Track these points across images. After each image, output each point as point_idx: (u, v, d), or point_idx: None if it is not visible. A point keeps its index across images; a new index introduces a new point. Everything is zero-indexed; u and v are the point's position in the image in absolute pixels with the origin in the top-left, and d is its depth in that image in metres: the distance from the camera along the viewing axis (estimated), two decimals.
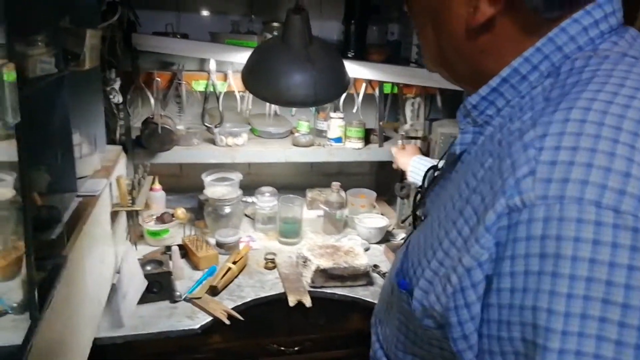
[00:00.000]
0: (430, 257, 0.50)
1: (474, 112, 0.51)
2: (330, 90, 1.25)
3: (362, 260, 1.44)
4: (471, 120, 0.51)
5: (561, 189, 0.39)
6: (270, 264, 1.49)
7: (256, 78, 1.25)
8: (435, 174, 0.66)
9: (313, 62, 1.21)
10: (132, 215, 1.37)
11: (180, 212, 1.61)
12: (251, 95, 1.61)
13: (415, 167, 1.33)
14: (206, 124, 1.64)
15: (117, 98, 1.42)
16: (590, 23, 0.46)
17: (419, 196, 0.66)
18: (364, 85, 1.70)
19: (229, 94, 1.62)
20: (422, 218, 0.58)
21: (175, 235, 1.57)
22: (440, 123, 1.62)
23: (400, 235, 1.73)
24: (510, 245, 0.41)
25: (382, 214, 1.79)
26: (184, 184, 1.87)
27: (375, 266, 1.52)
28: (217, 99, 1.60)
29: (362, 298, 1.36)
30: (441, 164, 0.65)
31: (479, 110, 0.50)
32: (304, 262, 1.44)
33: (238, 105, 1.64)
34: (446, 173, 0.57)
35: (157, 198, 1.66)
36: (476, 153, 0.50)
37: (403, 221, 0.70)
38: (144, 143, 1.53)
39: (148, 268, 1.33)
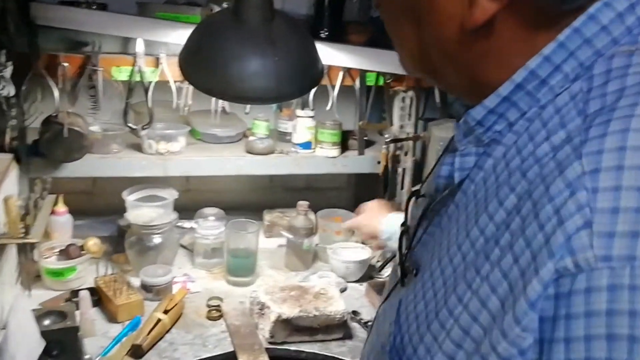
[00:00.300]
0: (440, 336, 0.49)
1: (479, 130, 0.51)
2: (297, 81, 1.22)
3: (337, 306, 1.41)
4: (473, 140, 0.52)
5: (630, 246, 0.38)
6: (215, 312, 1.46)
7: (199, 64, 1.21)
8: (419, 200, 0.67)
9: (275, 44, 1.18)
10: (25, 250, 1.34)
11: (93, 243, 1.57)
12: (191, 87, 1.57)
13: (392, 228, 1.23)
14: (130, 124, 1.61)
15: (8, 89, 1.37)
16: (626, 7, 0.46)
17: (404, 239, 0.65)
18: (340, 74, 1.69)
19: (162, 85, 1.59)
20: (414, 270, 0.58)
21: (85, 275, 1.54)
22: (438, 124, 1.62)
23: (386, 270, 1.70)
24: (562, 324, 0.40)
25: (362, 243, 1.77)
26: (98, 205, 1.86)
27: (355, 313, 1.51)
28: (146, 91, 1.56)
29: (338, 357, 1.34)
30: (427, 188, 0.66)
31: (484, 127, 0.51)
32: (261, 309, 1.41)
33: (174, 99, 1.62)
34: (438, 206, 0.57)
35: (61, 224, 1.62)
36: (485, 182, 0.50)
37: (380, 269, 0.67)
38: (44, 150, 1.49)
39: (46, 322, 1.30)
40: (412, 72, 0.57)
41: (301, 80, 1.23)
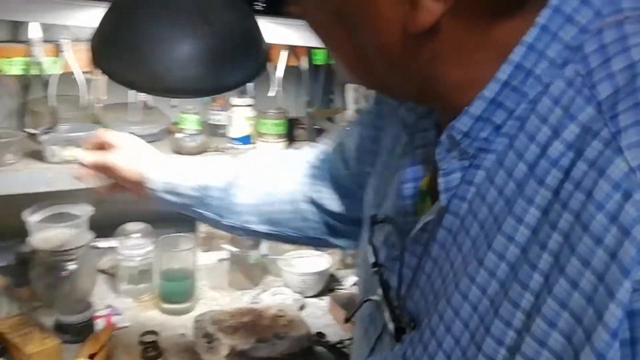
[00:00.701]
0: None
1: (465, 142, 0.52)
2: (240, 68, 1.15)
3: (300, 329, 1.38)
4: (457, 154, 0.53)
5: None
6: (152, 351, 1.37)
7: (117, 52, 1.13)
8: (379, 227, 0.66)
9: (211, 24, 1.10)
10: None
11: None
12: (103, 78, 1.46)
13: (163, 179, 1.00)
14: (27, 128, 1.46)
15: None
16: None
17: (385, 283, 0.64)
18: (283, 54, 1.61)
19: (66, 78, 1.47)
20: (412, 323, 0.58)
21: None
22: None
23: (349, 280, 1.69)
24: None
25: (317, 250, 1.73)
26: None
27: (320, 335, 1.45)
28: (46, 86, 1.42)
29: None
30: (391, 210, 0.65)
31: (471, 138, 0.52)
32: (209, 342, 1.35)
33: (81, 94, 1.51)
34: (419, 235, 0.58)
35: None
36: (483, 198, 0.51)
37: (348, 319, 0.62)
38: None
39: None
40: (354, 81, 0.60)
41: (245, 66, 1.17)
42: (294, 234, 0.96)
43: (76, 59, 1.44)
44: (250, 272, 1.66)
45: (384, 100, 0.76)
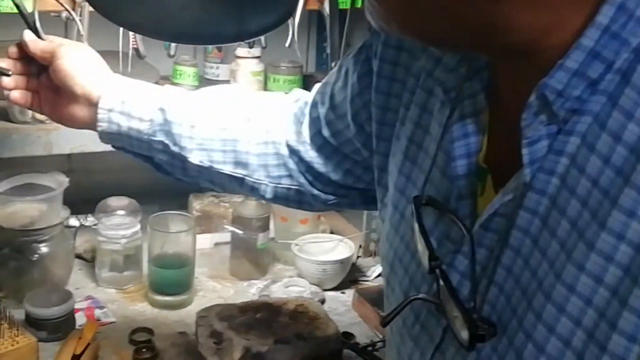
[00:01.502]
0: None
1: (557, 103, 0.52)
2: (266, 10, 1.16)
3: (327, 328, 1.38)
4: (545, 118, 0.53)
5: None
6: (146, 352, 1.37)
7: None
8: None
9: None
10: None
11: None
12: (85, 18, 1.45)
13: (120, 97, 0.96)
14: None
15: None
16: None
17: (447, 280, 0.62)
18: None
19: (42, 18, 1.42)
20: (493, 327, 0.57)
21: None
22: None
23: (374, 271, 1.71)
24: None
25: (335, 233, 1.77)
26: None
27: (347, 335, 1.46)
28: (27, 23, 1.39)
29: None
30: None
31: (564, 97, 0.52)
32: (217, 343, 1.35)
33: (65, 37, 1.45)
34: (491, 223, 0.58)
35: None
36: (582, 170, 0.51)
37: (386, 323, 0.62)
38: None
39: None
40: (394, 31, 0.58)
41: (273, 8, 1.17)
42: (262, 182, 0.96)
43: None
44: (258, 259, 1.67)
45: (402, 53, 0.76)
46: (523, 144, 0.54)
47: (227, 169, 0.96)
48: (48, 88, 1.00)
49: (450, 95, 0.64)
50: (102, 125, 0.96)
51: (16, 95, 0.99)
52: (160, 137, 0.95)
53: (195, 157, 0.95)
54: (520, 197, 0.55)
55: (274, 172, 0.95)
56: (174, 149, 0.95)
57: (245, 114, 0.98)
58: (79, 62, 0.97)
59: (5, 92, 1.01)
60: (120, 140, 0.97)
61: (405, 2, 0.54)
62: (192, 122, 0.95)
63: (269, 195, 0.97)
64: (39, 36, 1.04)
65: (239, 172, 0.96)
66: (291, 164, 0.95)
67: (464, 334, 0.56)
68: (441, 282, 0.59)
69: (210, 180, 0.99)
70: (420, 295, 0.64)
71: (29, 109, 1.04)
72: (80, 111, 0.97)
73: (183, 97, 0.99)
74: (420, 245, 0.63)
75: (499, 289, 0.58)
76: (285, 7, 1.19)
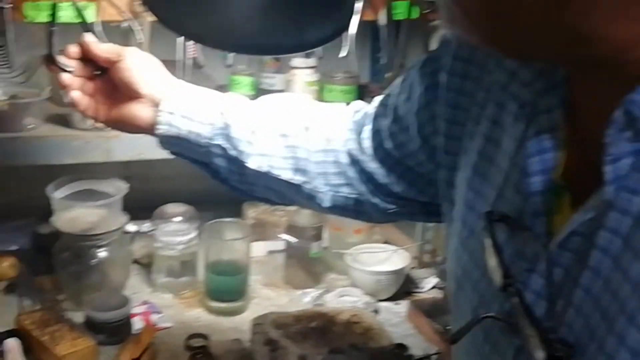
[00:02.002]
0: None
1: None
2: (325, 20, 1.19)
3: (380, 339, 1.38)
4: (631, 135, 0.52)
5: None
6: (202, 358, 1.39)
7: None
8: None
9: None
10: None
11: (8, 264, 1.51)
12: (147, 29, 1.46)
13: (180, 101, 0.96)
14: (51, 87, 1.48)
15: None
16: None
17: (522, 300, 0.60)
18: (358, 6, 1.59)
19: (106, 27, 1.45)
20: (569, 347, 0.56)
21: (1, 311, 1.48)
22: None
23: (428, 282, 1.71)
24: None
25: (389, 243, 1.77)
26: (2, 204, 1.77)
27: (401, 347, 1.45)
28: (76, 37, 1.42)
29: None
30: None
31: None
32: (273, 350, 1.36)
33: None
34: (569, 242, 0.57)
35: None
36: None
37: (454, 340, 0.62)
38: None
39: None
40: (473, 40, 0.57)
41: (332, 20, 1.21)
42: (320, 190, 0.94)
43: (116, 5, 1.43)
44: (311, 268, 1.67)
45: (472, 66, 0.74)
46: (606, 161, 0.52)
47: (286, 175, 0.94)
48: (105, 93, 0.99)
49: (526, 110, 0.62)
50: (162, 128, 0.94)
51: (77, 95, 0.98)
52: (219, 141, 0.94)
53: (253, 162, 0.94)
54: (601, 216, 0.53)
55: (333, 180, 0.94)
56: (233, 153, 0.94)
57: (305, 122, 0.97)
58: (143, 63, 0.97)
59: (66, 93, 1.00)
60: (179, 144, 0.96)
61: (490, 14, 0.53)
62: (252, 127, 0.94)
63: (326, 203, 0.96)
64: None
65: (298, 178, 0.94)
66: (351, 173, 0.93)
67: (540, 355, 0.55)
68: (515, 300, 0.58)
69: (266, 187, 0.98)
70: (492, 314, 0.62)
71: (84, 114, 1.03)
72: (140, 113, 0.96)
73: (244, 103, 0.99)
74: (492, 262, 0.62)
75: (577, 311, 0.56)
76: (342, 18, 1.21)
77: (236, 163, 0.95)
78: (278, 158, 0.94)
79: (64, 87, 0.98)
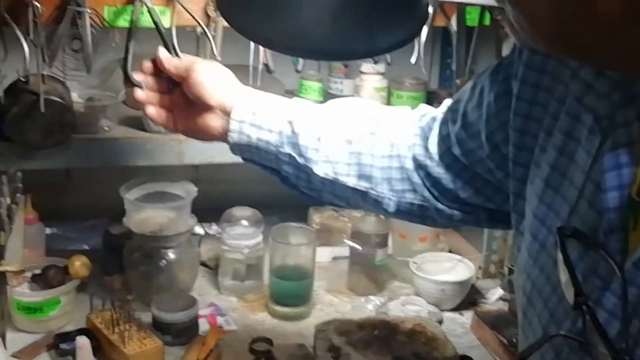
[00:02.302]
0: None
1: None
2: (398, 24, 1.17)
3: (445, 349, 1.37)
4: None
5: None
6: None
7: (248, 2, 1.15)
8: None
9: None
10: None
11: (80, 263, 1.51)
12: (219, 34, 1.48)
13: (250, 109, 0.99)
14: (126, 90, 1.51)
15: None
16: None
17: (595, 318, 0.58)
18: (429, 11, 1.58)
19: (181, 31, 1.47)
20: None
21: (72, 310, 1.50)
22: None
23: (493, 293, 1.68)
24: None
25: (453, 252, 1.75)
26: (73, 205, 1.83)
27: (465, 359, 1.43)
28: (163, 40, 1.43)
29: None
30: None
31: None
32: (335, 357, 1.36)
33: (197, 52, 1.51)
34: None
35: (32, 237, 1.55)
36: None
37: (523, 358, 0.59)
38: (10, 131, 1.41)
39: None
40: (543, 48, 0.56)
41: (403, 26, 1.18)
42: (385, 195, 0.95)
43: (193, 10, 1.43)
44: (375, 275, 1.67)
45: (545, 76, 0.73)
46: None
47: (351, 181, 0.96)
48: (181, 105, 1.04)
49: (602, 124, 0.61)
50: (233, 137, 0.99)
51: (152, 111, 1.04)
52: (287, 149, 0.97)
53: (320, 169, 0.96)
54: None
55: (398, 186, 0.95)
56: (300, 160, 0.96)
57: (370, 127, 0.98)
58: (212, 75, 1.02)
59: (141, 106, 1.06)
60: (250, 151, 1.00)
61: (556, 21, 0.52)
62: (319, 134, 0.96)
63: (391, 209, 0.97)
64: (175, 51, 1.09)
65: (363, 184, 0.96)
66: (416, 178, 0.94)
67: None
68: (588, 319, 0.56)
69: (333, 194, 1.00)
70: (564, 333, 0.61)
71: (164, 126, 1.08)
72: (213, 123, 1.01)
73: (310, 110, 1.01)
74: (564, 279, 0.60)
75: None
76: (414, 24, 1.19)
77: (304, 170, 0.98)
78: (343, 165, 0.96)
79: (139, 104, 1.04)
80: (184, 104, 1.04)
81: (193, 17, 1.42)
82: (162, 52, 1.06)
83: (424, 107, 1.01)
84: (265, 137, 0.97)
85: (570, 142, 0.67)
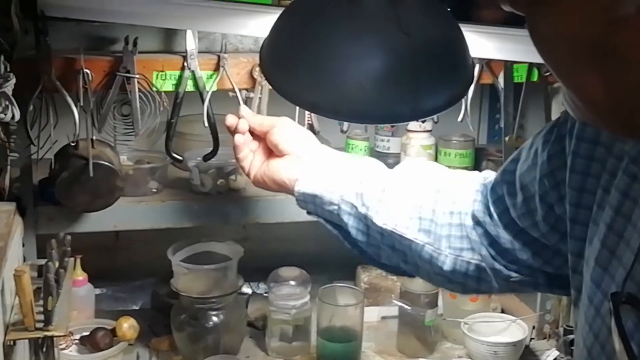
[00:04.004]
0: None
1: None
2: (442, 89, 1.14)
3: None
4: None
5: None
6: None
7: (293, 68, 1.16)
8: None
9: (410, 36, 1.09)
10: (44, 345, 1.24)
11: (128, 325, 1.52)
12: (265, 97, 1.50)
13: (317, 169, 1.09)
14: (174, 152, 1.52)
15: (10, 111, 1.29)
16: None
17: None
18: (476, 69, 1.57)
19: (221, 95, 1.50)
20: None
21: None
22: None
23: (548, 355, 1.64)
24: None
25: (506, 312, 1.72)
26: (122, 265, 1.85)
27: None
28: (198, 104, 1.47)
29: None
30: None
31: None
32: None
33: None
34: None
35: (81, 299, 1.59)
36: None
37: None
38: (60, 195, 1.43)
39: None
40: (596, 125, 0.59)
41: (448, 87, 1.16)
42: (442, 252, 0.95)
43: (235, 75, 1.47)
44: (425, 336, 1.64)
45: (600, 140, 0.71)
46: None
47: (410, 234, 0.97)
48: (263, 150, 1.14)
49: None
50: (301, 185, 1.06)
51: (243, 154, 1.14)
52: (350, 198, 1.01)
53: (380, 219, 0.98)
54: None
55: (456, 243, 0.95)
56: (362, 210, 0.99)
57: (435, 184, 1.00)
58: (292, 131, 1.14)
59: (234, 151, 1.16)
60: (314, 202, 1.05)
61: (615, 106, 0.52)
62: (383, 186, 1.00)
63: (447, 267, 0.96)
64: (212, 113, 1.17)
65: (421, 238, 0.96)
66: (474, 236, 0.93)
67: None
68: None
69: (391, 247, 1.00)
70: None
71: (242, 168, 1.16)
72: (285, 167, 1.09)
73: (377, 166, 1.07)
74: (618, 347, 0.59)
75: None
76: (459, 86, 1.18)
77: (364, 221, 1.00)
78: (404, 217, 0.97)
79: (236, 148, 1.14)
80: (266, 151, 1.13)
81: (233, 86, 1.47)
82: (245, 110, 1.17)
83: (488, 172, 1.01)
84: (331, 187, 1.03)
85: (627, 201, 0.65)
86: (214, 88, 1.48)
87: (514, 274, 0.92)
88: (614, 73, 0.50)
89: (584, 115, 0.56)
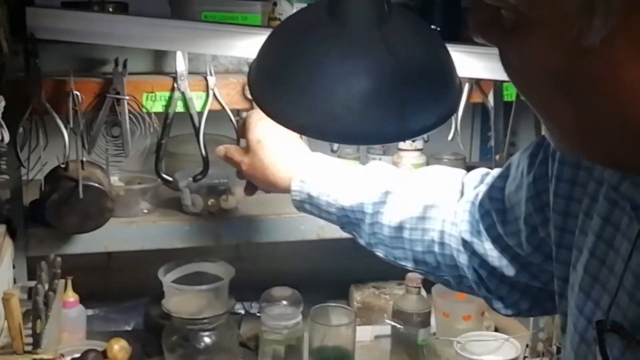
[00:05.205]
0: None
1: None
2: (429, 110, 1.13)
3: None
4: None
5: None
6: None
7: (280, 89, 1.14)
8: None
9: (397, 57, 1.08)
10: None
11: (119, 347, 1.51)
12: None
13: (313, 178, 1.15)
14: (164, 173, 1.53)
15: (0, 134, 1.29)
16: None
17: None
18: (465, 88, 1.58)
19: (211, 116, 1.51)
20: None
21: None
22: None
23: None
24: None
25: (499, 330, 1.72)
26: (114, 286, 1.85)
27: None
28: (188, 125, 1.48)
29: None
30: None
31: None
32: None
33: (229, 135, 1.56)
34: None
35: (72, 321, 1.58)
36: None
37: None
38: (50, 216, 1.43)
39: None
40: (571, 154, 0.60)
41: (435, 107, 1.15)
42: (444, 276, 1.00)
43: (224, 95, 1.48)
44: (417, 355, 1.63)
45: (582, 165, 0.72)
46: None
47: (410, 265, 1.03)
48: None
49: (638, 213, 0.59)
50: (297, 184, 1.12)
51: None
52: (347, 228, 1.08)
53: (380, 252, 1.04)
54: None
55: (449, 271, 0.99)
56: (361, 242, 1.07)
57: (419, 210, 1.02)
58: (277, 152, 1.18)
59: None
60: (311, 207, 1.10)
61: (585, 134, 0.53)
62: (375, 218, 1.04)
63: (454, 288, 1.02)
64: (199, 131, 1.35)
65: (421, 269, 1.02)
66: (463, 260, 0.95)
67: None
68: None
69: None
70: None
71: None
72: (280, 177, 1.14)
73: (383, 166, 1.13)
74: None
75: None
76: (447, 106, 1.17)
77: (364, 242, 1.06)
78: (397, 249, 1.02)
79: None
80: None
81: (223, 106, 1.48)
82: (219, 151, 1.23)
83: (475, 175, 1.02)
84: (325, 216, 1.09)
85: (608, 227, 0.65)
86: (206, 108, 1.49)
87: (499, 308, 0.95)
88: (584, 103, 0.50)
89: (561, 144, 0.56)
